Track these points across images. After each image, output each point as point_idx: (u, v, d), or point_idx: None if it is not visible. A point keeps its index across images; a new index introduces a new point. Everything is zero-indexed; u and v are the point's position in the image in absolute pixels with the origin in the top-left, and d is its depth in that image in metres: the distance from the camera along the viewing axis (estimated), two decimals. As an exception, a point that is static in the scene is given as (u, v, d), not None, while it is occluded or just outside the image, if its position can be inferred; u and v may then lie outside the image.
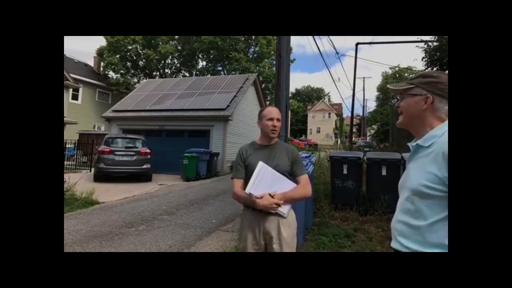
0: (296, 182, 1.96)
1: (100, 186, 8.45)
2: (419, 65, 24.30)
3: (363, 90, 53.87)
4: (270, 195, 1.82)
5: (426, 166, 1.02)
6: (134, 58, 29.50)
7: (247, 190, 1.86)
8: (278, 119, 1.99)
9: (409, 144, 1.15)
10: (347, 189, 5.70)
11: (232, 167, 12.89)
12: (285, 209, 1.89)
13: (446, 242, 0.96)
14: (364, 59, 24.34)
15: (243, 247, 1.99)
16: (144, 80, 26.35)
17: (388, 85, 1.28)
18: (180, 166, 11.21)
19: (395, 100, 1.24)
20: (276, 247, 1.87)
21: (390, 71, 41.57)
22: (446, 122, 1.08)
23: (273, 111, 2.01)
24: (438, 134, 1.05)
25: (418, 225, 1.02)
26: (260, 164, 1.89)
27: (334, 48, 27.31)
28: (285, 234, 1.88)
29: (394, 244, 1.13)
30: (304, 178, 1.97)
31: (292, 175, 1.97)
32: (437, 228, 0.98)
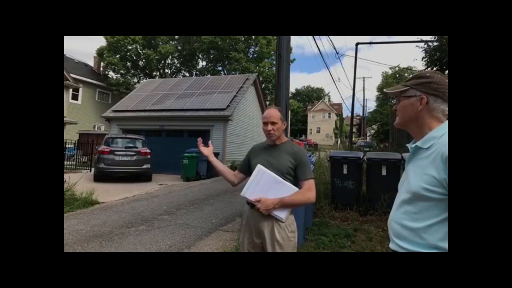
0: (300, 186, 1.90)
1: (100, 186, 8.44)
2: (419, 65, 24.30)
3: (363, 90, 53.95)
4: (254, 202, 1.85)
5: (425, 168, 1.02)
6: (134, 58, 29.50)
7: (242, 193, 1.88)
8: (273, 122, 1.93)
9: (408, 146, 1.15)
10: (347, 189, 5.70)
11: (231, 167, 13.02)
12: (282, 214, 1.83)
13: (442, 244, 0.96)
14: (364, 59, 24.35)
15: (241, 242, 2.02)
16: (144, 80, 26.35)
17: (384, 89, 1.29)
18: (180, 166, 11.21)
19: (395, 100, 1.24)
20: (269, 248, 1.86)
21: (390, 71, 41.59)
22: (445, 123, 1.07)
23: (268, 115, 1.96)
24: (437, 136, 1.05)
25: (415, 227, 1.02)
26: (258, 167, 1.89)
27: (334, 48, 27.30)
28: (279, 237, 1.84)
29: (391, 245, 1.13)
30: (307, 183, 1.88)
31: (295, 178, 1.92)
32: (434, 231, 0.98)
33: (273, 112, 1.97)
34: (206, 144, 2.25)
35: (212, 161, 2.20)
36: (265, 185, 1.85)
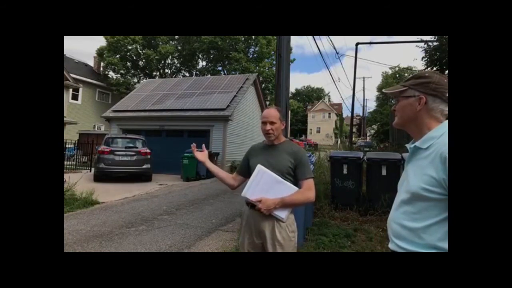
0: (299, 185, 1.90)
1: (100, 186, 8.44)
2: (419, 65, 24.29)
3: (363, 90, 53.96)
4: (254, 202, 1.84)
5: (424, 168, 1.02)
6: (134, 58, 29.50)
7: (243, 194, 1.87)
8: (271, 122, 1.92)
9: (407, 146, 1.15)
10: (347, 189, 5.70)
11: (231, 167, 12.92)
12: (283, 214, 1.84)
13: (441, 244, 0.97)
14: (364, 59, 24.36)
15: (241, 243, 2.02)
16: (144, 80, 26.35)
17: (383, 90, 1.29)
18: (180, 166, 11.22)
19: (394, 100, 1.24)
20: (270, 248, 1.86)
21: (390, 71, 41.59)
22: (444, 123, 1.07)
23: (266, 114, 1.96)
24: (436, 136, 1.05)
25: (414, 227, 1.02)
26: (258, 167, 1.88)
27: (334, 48, 27.28)
28: (280, 237, 1.85)
29: (390, 245, 1.13)
30: (307, 183, 1.89)
31: (294, 178, 1.92)
32: (433, 231, 0.98)
33: (272, 112, 1.97)
34: (205, 146, 2.23)
35: (208, 167, 2.10)
36: (266, 185, 1.85)
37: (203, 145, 2.23)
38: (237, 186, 2.13)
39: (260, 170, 1.87)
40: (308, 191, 1.88)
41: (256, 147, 2.11)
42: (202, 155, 2.12)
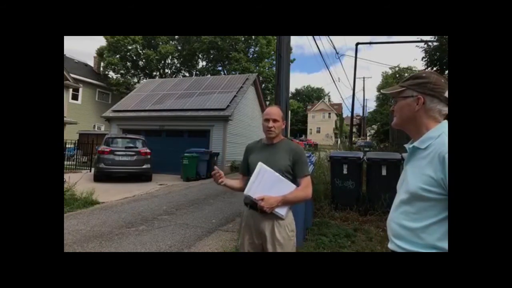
0: (298, 183, 1.92)
1: (100, 186, 8.44)
2: (419, 65, 24.27)
3: (363, 90, 53.93)
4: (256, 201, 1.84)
5: (423, 168, 1.02)
6: (134, 58, 29.50)
7: (245, 192, 1.88)
8: (274, 120, 1.94)
9: (406, 146, 1.16)
10: (347, 189, 5.70)
11: (231, 167, 12.87)
12: (283, 211, 1.86)
13: (440, 244, 0.97)
14: (364, 59, 24.38)
15: (241, 244, 2.03)
16: (144, 80, 26.35)
17: (382, 90, 1.29)
18: (180, 166, 11.22)
19: (393, 100, 1.25)
20: (270, 248, 1.87)
21: (390, 71, 41.51)
22: (442, 123, 1.08)
23: (270, 112, 1.98)
24: (435, 136, 1.05)
25: (413, 227, 1.03)
26: (259, 165, 1.89)
27: (334, 48, 27.25)
28: (279, 236, 1.86)
29: (390, 245, 1.13)
30: (305, 180, 1.92)
31: (293, 176, 1.94)
32: (432, 230, 0.99)
33: (275, 110, 2.00)
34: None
35: (226, 184, 2.01)
36: (267, 184, 1.86)
37: (215, 167, 2.05)
38: None
39: (261, 169, 1.88)
40: (307, 188, 1.92)
41: (252, 145, 2.12)
42: (221, 178, 1.97)
